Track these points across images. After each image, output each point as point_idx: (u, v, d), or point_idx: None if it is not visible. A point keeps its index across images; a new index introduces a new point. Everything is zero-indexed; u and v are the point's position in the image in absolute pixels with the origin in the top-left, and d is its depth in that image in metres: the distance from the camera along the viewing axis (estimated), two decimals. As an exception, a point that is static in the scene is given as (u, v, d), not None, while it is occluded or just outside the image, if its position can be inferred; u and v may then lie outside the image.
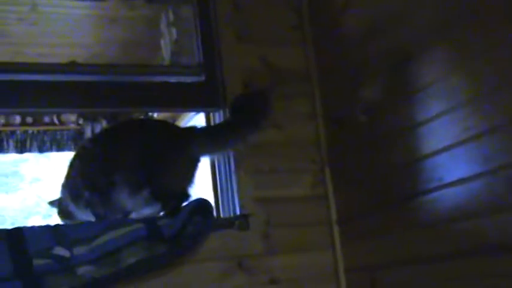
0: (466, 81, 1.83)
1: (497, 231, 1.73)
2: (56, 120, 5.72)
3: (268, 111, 2.40)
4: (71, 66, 2.73)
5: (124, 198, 2.25)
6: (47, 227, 2.14)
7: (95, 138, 3.14)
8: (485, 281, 1.78)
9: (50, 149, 5.70)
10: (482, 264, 1.80)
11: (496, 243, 1.74)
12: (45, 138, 5.66)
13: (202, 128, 2.49)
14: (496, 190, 1.73)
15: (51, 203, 2.45)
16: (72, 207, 2.34)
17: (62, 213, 2.40)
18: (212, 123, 2.66)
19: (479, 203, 1.79)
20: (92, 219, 2.29)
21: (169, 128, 2.49)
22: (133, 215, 2.29)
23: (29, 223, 5.99)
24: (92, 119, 5.74)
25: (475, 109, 1.80)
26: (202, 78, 2.58)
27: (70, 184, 2.36)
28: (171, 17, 3.56)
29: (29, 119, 5.63)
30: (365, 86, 2.39)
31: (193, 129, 2.43)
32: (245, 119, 2.37)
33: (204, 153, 2.39)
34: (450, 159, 1.91)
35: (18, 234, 2.05)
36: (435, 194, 1.98)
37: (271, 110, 2.42)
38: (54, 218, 2.49)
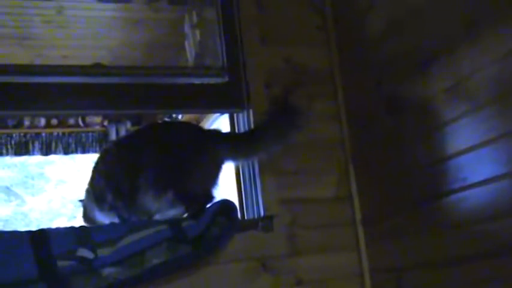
0: (491, 81, 1.81)
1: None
2: (80, 122, 5.77)
3: (298, 130, 2.38)
4: (96, 69, 2.75)
5: (148, 201, 2.26)
6: (71, 228, 2.15)
7: (119, 141, 3.15)
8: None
9: (75, 151, 5.74)
10: (508, 265, 1.77)
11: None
12: (70, 140, 5.71)
13: (227, 133, 2.49)
14: (521, 191, 1.71)
15: (81, 201, 2.46)
16: (96, 211, 2.35)
17: (86, 218, 2.43)
18: (236, 125, 2.66)
19: (504, 204, 1.77)
20: (116, 222, 2.30)
21: (194, 130, 2.49)
22: (157, 217, 2.29)
23: (54, 225, 6.05)
24: (117, 120, 5.77)
25: (500, 109, 1.78)
26: (226, 79, 2.58)
27: (94, 188, 2.37)
28: (195, 18, 3.57)
29: (54, 121, 5.68)
30: (389, 86, 2.37)
31: (218, 132, 2.43)
32: (272, 133, 2.36)
33: (227, 158, 2.39)
34: (475, 160, 1.89)
35: (42, 236, 2.06)
36: (460, 195, 1.96)
37: (301, 128, 2.38)
38: (79, 220, 2.50)
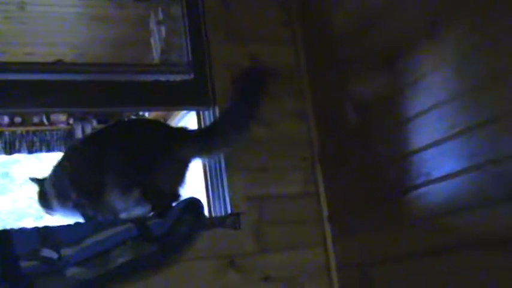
0: (453, 77, 1.83)
1: (484, 226, 1.74)
2: (45, 120, 5.69)
3: (255, 114, 2.36)
4: (57, 65, 2.71)
5: (114, 199, 2.23)
6: (34, 228, 2.11)
7: (85, 139, 3.12)
8: (475, 275, 1.78)
9: (40, 150, 5.67)
10: (471, 258, 1.80)
11: (483, 237, 1.75)
12: (34, 138, 5.63)
13: (193, 131, 2.47)
14: (483, 185, 1.73)
15: (34, 180, 2.42)
16: (56, 204, 2.32)
17: (42, 203, 2.39)
18: (203, 122, 2.64)
19: (466, 198, 1.80)
20: (76, 218, 2.28)
21: (160, 128, 2.46)
22: (123, 216, 2.27)
23: (21, 225, 5.97)
24: (82, 118, 5.71)
25: (463, 105, 1.79)
26: (191, 76, 2.57)
27: (57, 183, 2.33)
28: (160, 15, 3.55)
29: (18, 119, 5.60)
30: (355, 82, 2.38)
31: (184, 130, 2.41)
32: (233, 124, 2.34)
33: (193, 155, 2.37)
34: (438, 155, 1.90)
35: (4, 236, 2.02)
36: (423, 190, 1.98)
37: (258, 113, 2.37)
38: (45, 220, 2.46)
